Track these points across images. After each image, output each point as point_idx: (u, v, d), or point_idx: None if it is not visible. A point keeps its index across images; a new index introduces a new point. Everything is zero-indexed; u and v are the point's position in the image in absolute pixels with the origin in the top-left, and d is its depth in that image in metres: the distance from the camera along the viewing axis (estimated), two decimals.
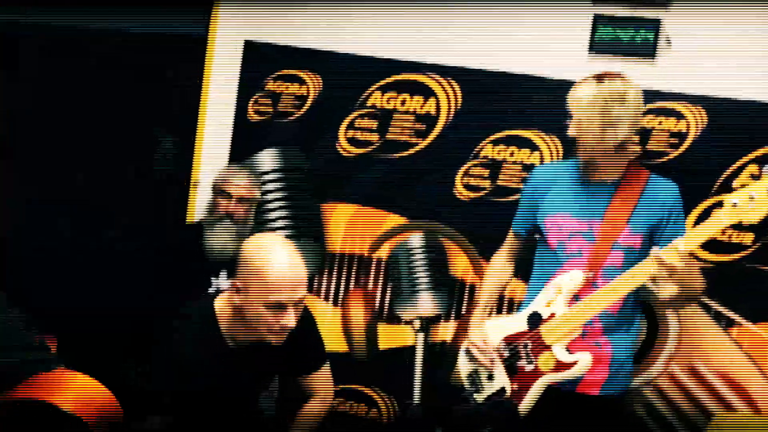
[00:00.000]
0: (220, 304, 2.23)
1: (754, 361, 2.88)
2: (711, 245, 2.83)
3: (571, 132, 2.41)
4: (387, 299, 3.41)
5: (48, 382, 1.87)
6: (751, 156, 2.83)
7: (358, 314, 3.46)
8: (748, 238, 2.83)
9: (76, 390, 1.86)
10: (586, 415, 2.38)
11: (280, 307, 2.08)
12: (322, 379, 2.43)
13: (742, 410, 2.89)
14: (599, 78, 2.38)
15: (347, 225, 3.43)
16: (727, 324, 2.89)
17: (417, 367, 3.39)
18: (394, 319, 3.41)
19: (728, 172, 2.85)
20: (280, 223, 3.49)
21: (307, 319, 2.28)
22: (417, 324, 3.38)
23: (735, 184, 2.82)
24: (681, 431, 2.99)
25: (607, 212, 2.38)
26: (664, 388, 3.00)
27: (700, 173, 2.86)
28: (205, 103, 3.58)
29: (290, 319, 2.09)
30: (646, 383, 2.99)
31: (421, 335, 3.38)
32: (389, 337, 3.42)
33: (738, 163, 2.85)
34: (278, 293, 2.07)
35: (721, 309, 2.89)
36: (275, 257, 2.09)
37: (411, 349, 3.38)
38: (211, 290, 3.11)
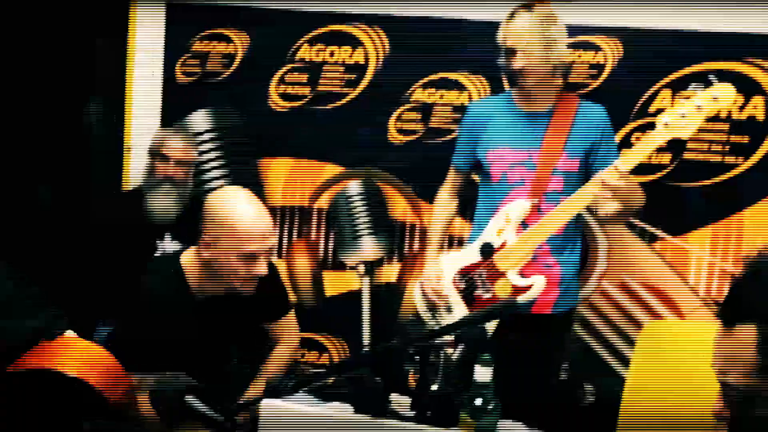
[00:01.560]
0: (187, 260, 2.26)
1: (676, 270, 3.14)
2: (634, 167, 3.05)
3: (518, 64, 2.51)
4: (330, 247, 3.52)
5: (51, 350, 1.90)
6: (664, 82, 3.04)
7: (303, 264, 3.55)
8: (666, 158, 3.06)
9: (79, 355, 1.89)
10: (541, 333, 2.56)
11: (252, 257, 2.14)
12: (289, 324, 2.52)
13: (668, 317, 3.15)
14: (527, 6, 2.52)
15: (286, 179, 3.50)
16: (651, 239, 3.14)
17: (365, 309, 3.52)
18: (338, 266, 3.52)
19: (644, 97, 3.07)
20: (219, 182, 3.53)
21: (271, 268, 2.35)
22: (361, 268, 3.50)
23: (651, 109, 3.05)
24: (614, 343, 3.24)
25: (544, 140, 2.54)
26: (597, 303, 3.24)
27: (619, 101, 3.05)
28: (131, 68, 3.55)
29: (262, 268, 2.16)
30: (582, 301, 3.22)
31: (366, 279, 3.51)
32: (335, 283, 3.54)
33: (652, 90, 3.06)
34: (250, 243, 2.12)
35: (644, 226, 3.13)
36: (243, 208, 2.14)
37: (358, 293, 3.51)
38: (157, 254, 3.14)
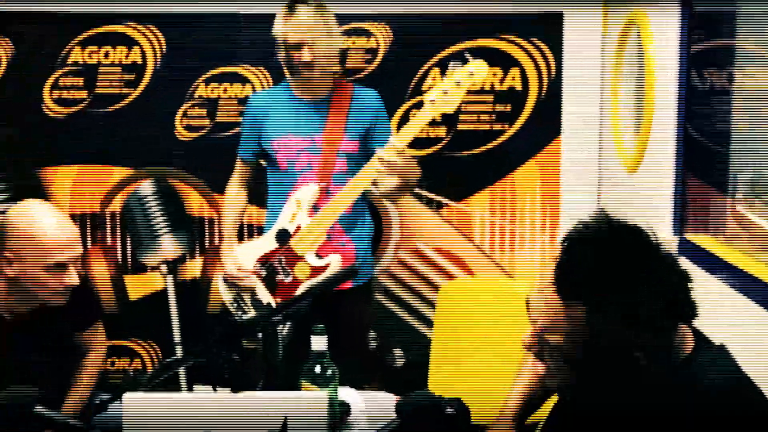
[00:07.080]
0: None
1: (462, 232, 3.41)
2: (414, 143, 3.26)
3: (307, 57, 2.56)
4: (128, 251, 3.47)
5: None
6: (432, 61, 3.28)
7: (102, 270, 3.48)
8: (441, 131, 3.30)
9: None
10: (344, 308, 2.70)
11: (61, 267, 2.11)
12: (98, 333, 2.50)
13: (460, 276, 3.42)
14: (292, 8, 2.58)
15: (73, 186, 3.40)
16: (437, 207, 3.38)
17: (172, 308, 3.51)
18: (140, 269, 3.48)
19: (416, 77, 3.28)
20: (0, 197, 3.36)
21: (81, 277, 2.32)
22: (164, 268, 3.48)
23: (424, 87, 3.27)
24: (415, 305, 3.47)
25: (326, 126, 2.68)
26: (395, 272, 3.44)
27: (394, 82, 3.25)
28: None
29: (73, 277, 2.14)
30: (382, 272, 3.41)
31: (170, 278, 3.49)
32: (138, 286, 3.50)
33: (422, 69, 3.28)
34: (57, 253, 2.09)
35: (430, 195, 3.37)
36: (45, 219, 2.11)
37: (163, 293, 3.49)
38: None
